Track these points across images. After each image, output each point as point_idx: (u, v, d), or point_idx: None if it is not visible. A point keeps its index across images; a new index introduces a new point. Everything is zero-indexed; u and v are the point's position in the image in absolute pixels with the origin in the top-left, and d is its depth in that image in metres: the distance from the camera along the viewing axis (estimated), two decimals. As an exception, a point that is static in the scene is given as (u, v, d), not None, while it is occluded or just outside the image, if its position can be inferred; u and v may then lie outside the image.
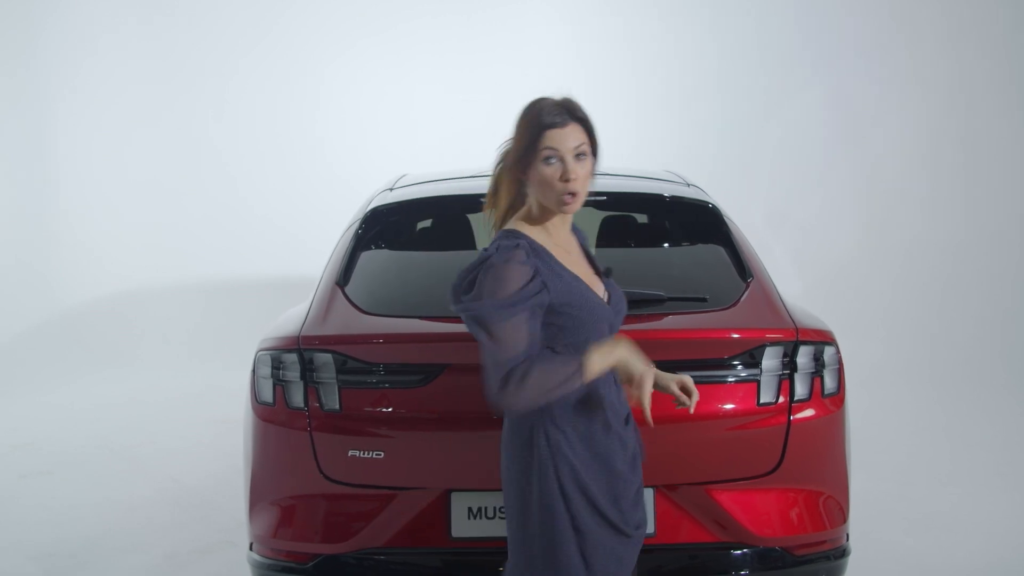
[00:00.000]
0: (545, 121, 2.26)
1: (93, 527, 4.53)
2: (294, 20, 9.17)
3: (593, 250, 2.60)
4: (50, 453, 5.76)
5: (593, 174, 2.34)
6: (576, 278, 2.30)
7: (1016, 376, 7.21)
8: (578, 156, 2.27)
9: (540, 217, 2.33)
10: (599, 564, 2.26)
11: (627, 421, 2.38)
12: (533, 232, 2.32)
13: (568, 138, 2.26)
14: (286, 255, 8.70)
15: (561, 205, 2.27)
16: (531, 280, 2.20)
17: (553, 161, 2.25)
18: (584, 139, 2.29)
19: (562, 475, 2.24)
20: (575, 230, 2.48)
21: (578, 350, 2.23)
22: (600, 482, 2.27)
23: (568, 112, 2.29)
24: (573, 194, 2.25)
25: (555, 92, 2.37)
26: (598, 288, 2.37)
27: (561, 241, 2.35)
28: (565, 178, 2.25)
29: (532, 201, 2.33)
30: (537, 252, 2.26)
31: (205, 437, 6.00)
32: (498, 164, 2.40)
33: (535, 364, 2.15)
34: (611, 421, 2.30)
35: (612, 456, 2.30)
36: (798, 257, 8.70)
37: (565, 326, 2.26)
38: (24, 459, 5.64)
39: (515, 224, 2.34)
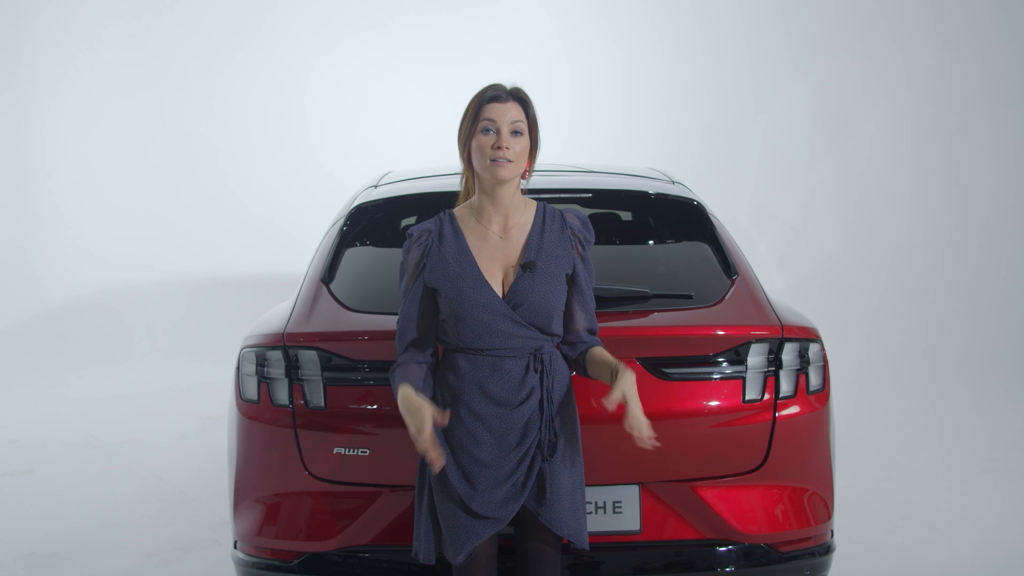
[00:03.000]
0: (486, 95, 2.48)
1: (76, 525, 4.50)
2: (282, 17, 9.15)
3: (579, 245, 2.57)
4: (32, 450, 5.73)
5: (532, 155, 2.51)
6: (466, 265, 2.47)
7: (1004, 374, 7.26)
8: (514, 132, 2.44)
9: (476, 201, 2.55)
10: (446, 524, 2.46)
11: (519, 414, 2.45)
12: (463, 214, 2.56)
13: (506, 112, 2.44)
14: (273, 251, 8.69)
15: (493, 169, 2.43)
16: (414, 267, 2.52)
17: (490, 131, 2.45)
18: (522, 117, 2.46)
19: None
20: (561, 221, 2.56)
21: (457, 323, 2.46)
22: (451, 456, 2.46)
23: (511, 92, 2.48)
24: (505, 160, 2.43)
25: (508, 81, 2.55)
26: (494, 279, 2.48)
27: (489, 225, 2.52)
28: (497, 145, 2.42)
29: (476, 184, 2.54)
30: (443, 237, 2.51)
31: (189, 433, 5.98)
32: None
33: (400, 366, 2.50)
34: (477, 407, 2.46)
35: (469, 438, 2.46)
36: (784, 254, 8.73)
37: (442, 304, 2.50)
38: (5, 457, 5.61)
39: (456, 208, 2.60)
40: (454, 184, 3.62)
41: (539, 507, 2.48)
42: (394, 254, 3.44)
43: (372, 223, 3.40)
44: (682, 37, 9.25)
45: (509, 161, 2.43)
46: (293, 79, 9.17)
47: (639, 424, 2.33)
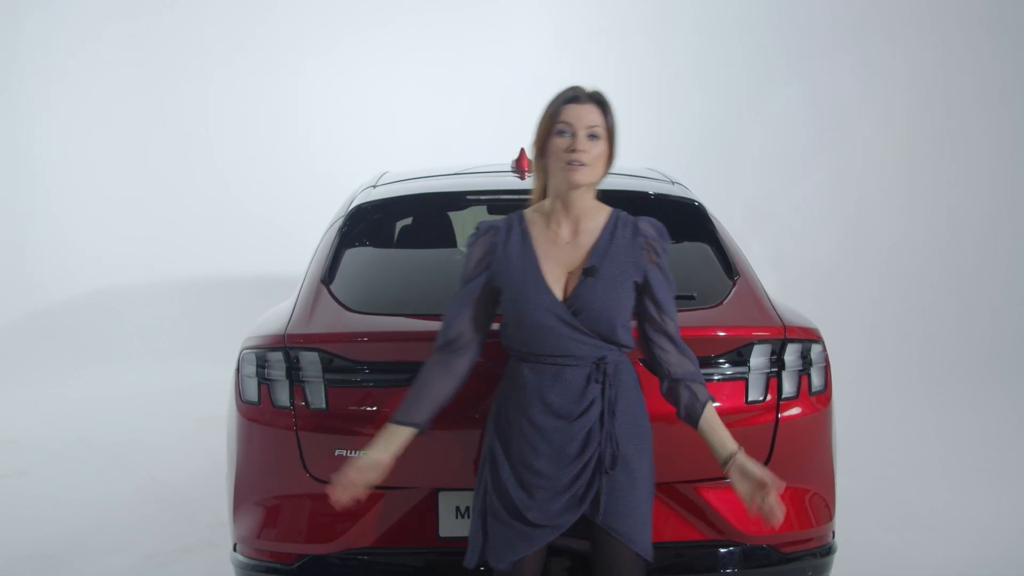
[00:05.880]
0: (565, 97, 2.44)
1: (73, 527, 4.49)
2: (282, 17, 9.14)
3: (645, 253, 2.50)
4: (29, 451, 5.71)
5: (609, 161, 2.46)
6: (529, 267, 2.43)
7: (1000, 373, 7.26)
8: (591, 136, 2.40)
9: (548, 204, 2.50)
10: (497, 530, 2.44)
11: (579, 426, 2.41)
12: (533, 217, 2.51)
13: (584, 115, 2.41)
14: (272, 251, 8.67)
15: (567, 172, 2.39)
16: (476, 263, 2.48)
17: (566, 134, 2.40)
18: (600, 121, 2.42)
19: (489, 444, 2.51)
20: (634, 228, 2.49)
21: (518, 327, 2.43)
22: (509, 465, 2.45)
23: (590, 95, 2.44)
24: (579, 164, 2.38)
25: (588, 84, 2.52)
26: (556, 282, 2.44)
27: (559, 229, 2.47)
28: (572, 148, 2.38)
29: (549, 186, 2.49)
30: (510, 237, 2.46)
31: (187, 434, 5.97)
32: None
33: (428, 363, 2.51)
34: (537, 419, 2.42)
35: (528, 448, 2.43)
36: (778, 255, 8.72)
37: (505, 306, 2.47)
38: (4, 457, 5.59)
39: (527, 209, 2.55)
40: (453, 184, 3.62)
41: (608, 520, 2.43)
42: (394, 254, 3.45)
43: (372, 223, 3.39)
44: (676, 37, 9.23)
45: (584, 165, 2.38)
46: (293, 79, 9.15)
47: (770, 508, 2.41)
